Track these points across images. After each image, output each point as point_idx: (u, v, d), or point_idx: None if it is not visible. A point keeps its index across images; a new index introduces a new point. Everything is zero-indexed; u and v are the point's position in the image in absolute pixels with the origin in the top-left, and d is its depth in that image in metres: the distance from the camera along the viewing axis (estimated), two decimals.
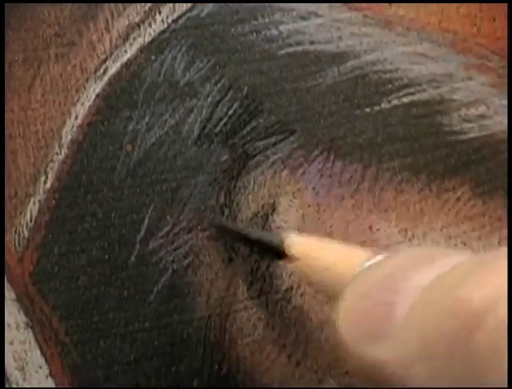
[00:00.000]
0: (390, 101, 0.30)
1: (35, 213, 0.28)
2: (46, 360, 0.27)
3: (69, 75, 0.29)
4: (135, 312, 0.28)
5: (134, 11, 0.29)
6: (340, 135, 0.29)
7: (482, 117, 0.30)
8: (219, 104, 0.29)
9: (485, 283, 0.17)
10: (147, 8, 0.29)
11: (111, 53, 0.29)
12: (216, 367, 0.28)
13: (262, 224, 0.28)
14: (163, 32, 0.29)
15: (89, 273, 0.28)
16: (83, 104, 0.28)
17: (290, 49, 0.30)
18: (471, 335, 0.16)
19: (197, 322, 0.28)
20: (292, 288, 0.28)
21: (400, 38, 0.30)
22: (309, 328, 0.28)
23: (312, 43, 0.30)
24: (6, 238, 0.28)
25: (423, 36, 0.30)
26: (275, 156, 0.29)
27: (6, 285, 0.27)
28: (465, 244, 0.29)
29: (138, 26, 0.29)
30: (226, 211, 0.28)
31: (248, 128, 0.29)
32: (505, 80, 0.30)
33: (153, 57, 0.29)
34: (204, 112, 0.29)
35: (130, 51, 0.29)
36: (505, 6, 0.31)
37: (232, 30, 0.30)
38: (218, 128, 0.29)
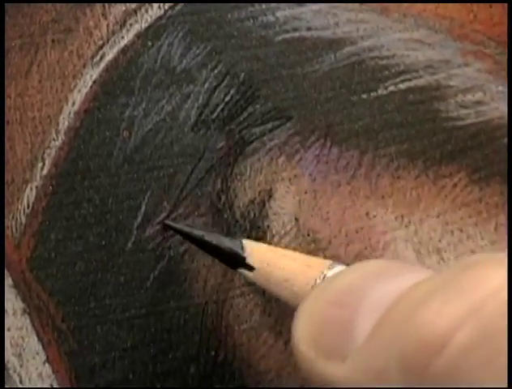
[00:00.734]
0: (386, 88, 0.30)
1: (32, 199, 0.28)
2: (43, 346, 0.27)
3: (66, 61, 0.29)
4: (132, 298, 0.28)
5: None
6: (337, 122, 0.29)
7: (479, 103, 0.30)
8: (216, 90, 0.29)
9: (449, 304, 0.16)
10: None
11: (108, 39, 0.29)
12: (213, 353, 0.28)
13: (258, 211, 0.28)
14: (160, 18, 0.29)
15: (86, 259, 0.28)
16: (79, 90, 0.28)
17: (287, 35, 0.30)
18: (428, 363, 0.15)
19: (193, 308, 0.28)
20: None
21: (397, 24, 0.30)
22: None
23: (309, 29, 0.30)
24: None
25: (420, 22, 0.30)
26: (272, 143, 0.29)
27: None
28: (461, 230, 0.29)
29: (135, 12, 0.29)
30: (223, 198, 0.28)
31: (245, 114, 0.29)
32: (502, 66, 0.30)
33: (150, 44, 0.29)
34: (201, 98, 0.29)
35: (126, 37, 0.29)
36: None
37: (229, 16, 0.30)
38: (215, 114, 0.29)
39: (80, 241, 0.28)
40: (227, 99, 0.29)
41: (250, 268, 0.24)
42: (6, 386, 0.27)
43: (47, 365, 0.27)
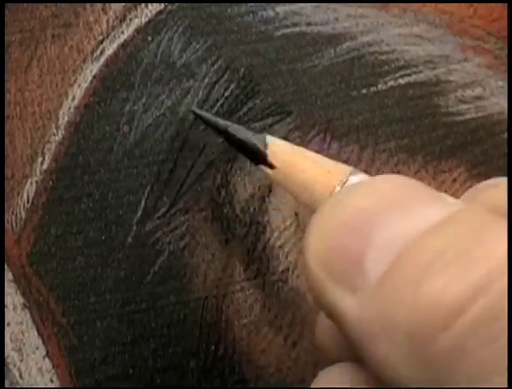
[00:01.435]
0: (386, 83, 0.30)
1: (32, 194, 0.28)
2: (43, 341, 0.27)
3: (66, 56, 0.28)
4: (132, 293, 0.28)
5: None
6: (337, 116, 0.29)
7: (478, 98, 0.30)
8: (216, 85, 0.29)
9: (464, 275, 0.15)
10: None
11: (108, 34, 0.29)
12: (213, 348, 0.28)
13: (258, 206, 0.28)
14: (159, 12, 0.29)
15: (86, 254, 0.28)
16: (79, 85, 0.28)
17: (287, 30, 0.30)
18: (434, 338, 0.15)
19: (193, 303, 0.28)
20: (288, 269, 0.28)
21: (396, 19, 0.30)
22: (306, 309, 0.28)
23: (308, 24, 0.30)
24: None
25: (419, 17, 0.30)
26: None
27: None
28: None
29: (135, 7, 0.29)
30: (223, 193, 0.28)
31: (244, 109, 0.29)
32: (501, 61, 0.30)
33: (150, 38, 0.29)
34: (201, 93, 0.29)
35: (126, 32, 0.29)
36: None
37: (229, 11, 0.30)
38: (215, 109, 0.29)
39: (80, 235, 0.28)
40: (227, 94, 0.29)
41: (271, 166, 0.23)
42: (5, 381, 0.27)
43: (47, 359, 0.27)
